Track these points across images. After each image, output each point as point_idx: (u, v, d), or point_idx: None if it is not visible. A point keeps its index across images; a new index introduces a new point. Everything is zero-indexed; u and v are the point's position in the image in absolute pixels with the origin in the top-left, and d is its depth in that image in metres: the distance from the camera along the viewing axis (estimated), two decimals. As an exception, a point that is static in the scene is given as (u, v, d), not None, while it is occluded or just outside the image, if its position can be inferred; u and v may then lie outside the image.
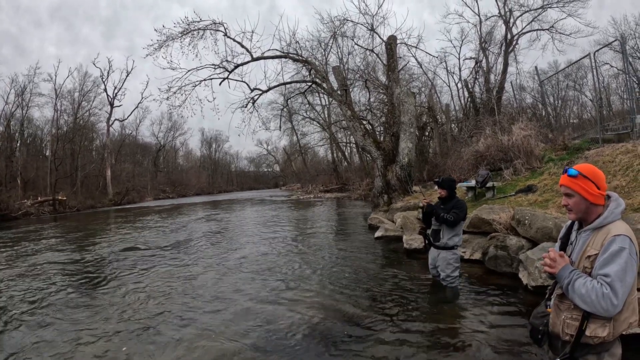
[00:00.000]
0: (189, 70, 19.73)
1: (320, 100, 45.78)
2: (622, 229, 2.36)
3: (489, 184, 12.27)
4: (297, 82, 23.97)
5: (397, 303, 6.26)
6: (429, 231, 6.88)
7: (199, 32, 19.70)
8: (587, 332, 2.36)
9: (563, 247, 2.71)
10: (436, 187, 6.77)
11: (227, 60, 19.96)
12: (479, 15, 28.90)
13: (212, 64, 19.92)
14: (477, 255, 8.39)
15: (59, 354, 4.99)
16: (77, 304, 7.03)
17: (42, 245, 14.48)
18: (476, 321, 5.33)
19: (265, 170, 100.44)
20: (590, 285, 2.28)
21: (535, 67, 22.91)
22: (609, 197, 2.54)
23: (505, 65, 27.16)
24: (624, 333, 2.44)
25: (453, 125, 31.02)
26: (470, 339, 4.81)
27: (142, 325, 5.81)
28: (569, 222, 2.84)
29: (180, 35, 19.41)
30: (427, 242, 6.98)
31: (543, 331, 2.63)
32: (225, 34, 19.76)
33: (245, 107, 21.08)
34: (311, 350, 4.76)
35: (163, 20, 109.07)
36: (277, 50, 20.92)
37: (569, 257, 2.54)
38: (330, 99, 35.06)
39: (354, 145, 46.94)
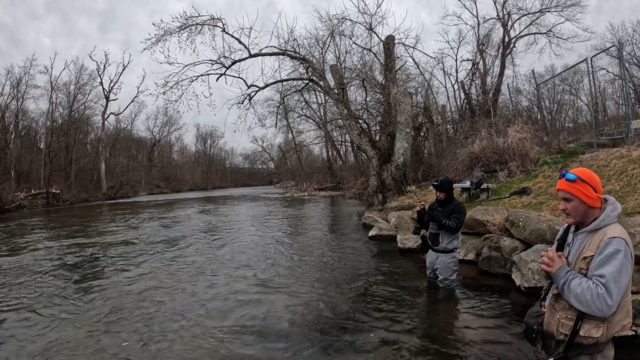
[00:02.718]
0: (186, 65, 19.63)
1: (317, 98, 45.84)
2: (618, 232, 2.38)
3: (484, 186, 12.29)
4: (294, 79, 23.96)
5: (390, 302, 6.27)
6: (426, 233, 6.88)
7: (197, 28, 19.61)
8: (581, 332, 2.39)
9: (560, 249, 2.73)
10: (431, 188, 6.78)
11: (224, 56, 19.90)
12: (477, 18, 28.88)
13: (210, 60, 19.86)
14: (470, 256, 8.43)
15: (54, 348, 4.99)
16: (70, 298, 7.02)
17: (34, 238, 14.45)
18: (469, 321, 5.36)
19: (260, 167, 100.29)
20: (585, 286, 2.30)
21: (532, 71, 23.10)
22: (605, 200, 2.56)
23: (502, 67, 27.17)
24: (616, 335, 2.46)
25: (449, 126, 31.02)
26: (463, 338, 4.84)
27: (134, 320, 5.81)
28: (566, 224, 2.86)
29: (178, 30, 19.30)
30: (423, 217, 6.89)
31: (537, 330, 2.66)
32: (224, 30, 19.70)
33: (242, 103, 21.03)
34: (303, 348, 4.76)
35: (159, 14, 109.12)
36: (274, 47, 20.87)
37: (566, 258, 2.57)
38: (327, 97, 35.06)
39: (349, 144, 47.01)
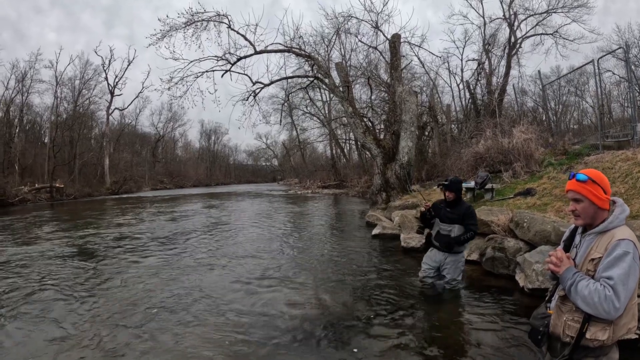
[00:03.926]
0: (191, 61, 19.70)
1: (321, 96, 45.82)
2: (627, 234, 2.37)
3: (488, 186, 12.28)
4: (299, 77, 23.97)
5: (393, 300, 6.27)
6: (431, 231, 6.79)
7: (202, 24, 19.66)
8: (588, 335, 2.38)
9: (566, 250, 2.71)
10: (435, 187, 6.66)
11: (229, 53, 19.93)
12: (483, 17, 28.85)
13: (215, 56, 19.90)
14: (474, 256, 8.40)
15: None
16: (73, 292, 7.05)
17: (38, 232, 14.52)
18: (471, 321, 5.35)
19: (264, 164, 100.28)
20: (593, 287, 2.29)
21: (539, 72, 23.02)
22: (614, 202, 2.55)
23: (508, 68, 27.13)
24: (620, 338, 2.45)
25: (453, 125, 31.00)
26: (465, 338, 4.84)
27: (137, 315, 5.83)
28: (573, 225, 2.84)
29: (183, 26, 19.37)
30: (426, 217, 6.73)
31: (543, 332, 2.63)
32: (229, 26, 19.72)
33: (247, 100, 21.05)
34: (305, 345, 4.77)
35: (163, 9, 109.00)
36: (280, 44, 20.88)
37: (573, 259, 2.55)
38: (331, 95, 35.03)
39: (353, 142, 46.95)
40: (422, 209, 6.67)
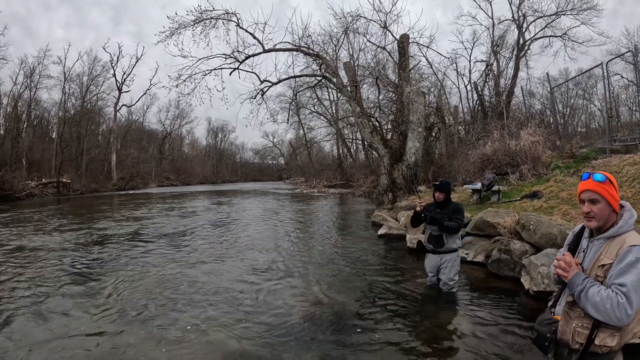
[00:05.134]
0: (199, 59, 19.70)
1: (329, 95, 45.85)
2: (637, 240, 2.36)
3: (495, 188, 12.27)
4: (307, 75, 23.91)
5: (397, 301, 6.28)
6: (425, 234, 6.78)
7: (211, 22, 19.64)
8: (597, 341, 2.36)
9: (572, 254, 2.65)
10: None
11: (238, 51, 19.90)
12: (492, 19, 28.75)
13: (223, 54, 19.88)
14: (479, 258, 8.41)
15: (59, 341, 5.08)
16: (77, 289, 7.12)
17: (57, 225, 14.70)
18: (476, 323, 5.35)
19: (270, 162, 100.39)
20: (605, 294, 2.28)
21: (547, 74, 22.87)
22: (622, 206, 2.52)
23: (516, 70, 27.04)
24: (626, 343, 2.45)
25: (460, 127, 30.92)
26: (469, 340, 4.83)
27: (140, 313, 5.88)
28: (576, 228, 2.81)
29: (192, 23, 19.35)
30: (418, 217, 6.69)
31: (550, 339, 2.60)
32: (238, 25, 19.70)
33: (254, 98, 21.05)
34: (306, 344, 4.79)
35: (171, 7, 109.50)
36: (288, 43, 20.86)
37: (580, 264, 2.52)
38: (339, 95, 35.00)
39: (359, 142, 47.03)
40: (418, 208, 6.67)
